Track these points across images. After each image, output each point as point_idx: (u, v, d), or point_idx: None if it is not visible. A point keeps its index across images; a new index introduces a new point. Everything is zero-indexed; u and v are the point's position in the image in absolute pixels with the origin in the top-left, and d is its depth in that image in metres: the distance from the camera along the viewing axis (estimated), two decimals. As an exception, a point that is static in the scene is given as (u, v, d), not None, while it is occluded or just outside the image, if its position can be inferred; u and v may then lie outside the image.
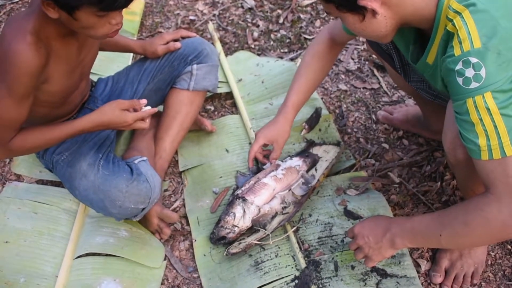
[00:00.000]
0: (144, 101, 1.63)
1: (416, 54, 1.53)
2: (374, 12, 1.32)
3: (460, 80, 1.25)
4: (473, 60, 1.23)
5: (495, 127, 1.24)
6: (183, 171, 2.09)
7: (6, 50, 1.43)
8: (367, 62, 2.48)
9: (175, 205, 2.00)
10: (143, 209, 1.74)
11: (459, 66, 1.24)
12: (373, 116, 2.27)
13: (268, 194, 1.87)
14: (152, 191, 1.73)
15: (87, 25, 1.44)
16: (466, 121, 1.27)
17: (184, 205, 1.99)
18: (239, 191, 1.87)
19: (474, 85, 1.23)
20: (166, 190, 2.04)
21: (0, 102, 1.47)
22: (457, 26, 1.26)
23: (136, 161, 1.77)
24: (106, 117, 1.60)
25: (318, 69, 1.91)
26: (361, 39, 2.56)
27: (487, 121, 1.24)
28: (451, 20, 1.27)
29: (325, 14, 2.73)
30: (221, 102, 2.37)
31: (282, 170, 1.95)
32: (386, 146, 2.17)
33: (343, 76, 2.44)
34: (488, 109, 1.23)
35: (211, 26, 2.58)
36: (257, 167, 2.05)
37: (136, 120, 1.62)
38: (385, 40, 1.45)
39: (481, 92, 1.23)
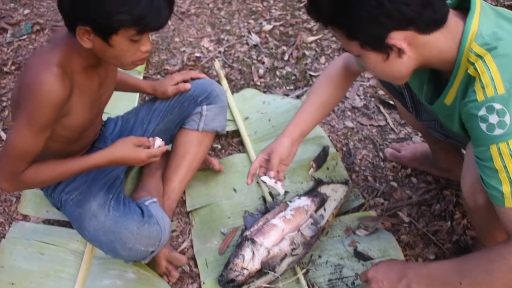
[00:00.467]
0: (151, 141, 1.64)
1: (430, 94, 1.53)
2: (400, 52, 1.30)
3: (483, 126, 1.24)
4: (497, 106, 1.22)
5: None
6: (191, 211, 2.08)
7: (31, 80, 1.43)
8: (373, 99, 2.49)
9: (183, 246, 1.98)
10: (153, 251, 1.73)
11: (482, 112, 1.24)
12: (381, 154, 2.27)
13: (277, 235, 1.85)
14: (162, 233, 1.72)
15: (120, 52, 1.46)
16: (489, 168, 1.26)
17: (192, 246, 1.98)
18: (248, 233, 1.86)
19: (498, 131, 1.22)
20: (173, 231, 2.03)
21: (18, 132, 1.47)
22: (479, 71, 1.25)
23: (146, 203, 1.77)
24: (119, 153, 1.60)
25: (329, 93, 1.81)
26: (366, 75, 2.57)
27: (511, 168, 1.23)
28: (473, 64, 1.27)
29: (330, 51, 2.75)
30: (228, 140, 2.37)
31: (290, 210, 1.94)
32: (395, 184, 2.16)
33: (349, 113, 2.45)
34: None
35: (217, 64, 2.59)
36: (265, 207, 2.04)
37: (150, 157, 1.62)
38: (401, 82, 1.44)
39: (505, 139, 1.22)
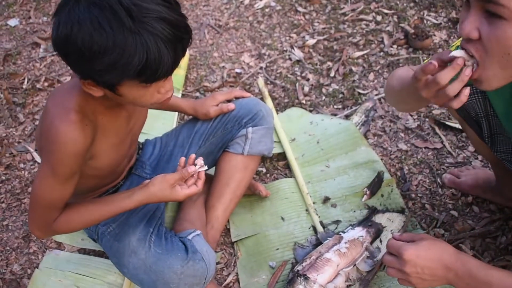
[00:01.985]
0: (192, 168, 1.49)
1: None
2: None
3: None
4: None
5: None
6: (236, 241, 1.94)
7: (49, 127, 1.31)
8: (427, 119, 2.32)
9: (228, 280, 1.83)
10: (197, 289, 1.59)
11: None
12: (438, 180, 2.10)
13: (332, 271, 1.70)
14: (208, 270, 1.57)
15: (134, 98, 1.32)
16: None
17: (238, 280, 1.83)
18: (299, 267, 1.71)
19: None
20: (218, 263, 1.88)
21: (44, 182, 1.36)
22: None
23: (190, 237, 1.62)
24: (155, 198, 1.48)
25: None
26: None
27: None
28: None
29: (379, 67, 2.59)
30: (273, 163, 2.22)
31: (345, 243, 1.78)
32: (455, 213, 1.99)
33: (402, 135, 2.28)
34: None
35: (260, 82, 2.45)
36: (316, 237, 1.89)
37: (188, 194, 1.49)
38: (504, 82, 1.15)
39: None
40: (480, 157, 2.15)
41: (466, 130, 1.77)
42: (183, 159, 1.53)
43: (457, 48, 1.42)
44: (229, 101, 1.92)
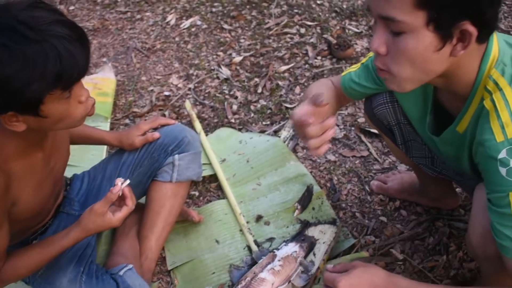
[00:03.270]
0: (115, 189, 1.47)
1: (434, 125, 1.41)
2: (456, 48, 1.10)
3: (503, 170, 1.13)
4: None
5: None
6: (172, 269, 1.94)
7: None
8: (353, 128, 2.39)
9: (166, 309, 1.84)
10: (134, 325, 1.59)
11: (502, 155, 1.12)
12: (367, 187, 2.16)
13: (267, 290, 1.73)
14: (142, 304, 1.58)
15: (60, 116, 1.31)
16: (504, 215, 1.15)
17: (176, 308, 1.84)
18: (235, 290, 1.73)
19: None
20: (155, 293, 1.89)
21: None
22: (498, 106, 1.14)
23: (121, 272, 1.62)
24: (91, 231, 1.48)
25: (331, 93, 1.57)
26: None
27: None
28: (491, 94, 1.15)
29: (304, 79, 2.64)
30: (205, 185, 2.24)
31: (279, 260, 1.81)
32: (384, 219, 2.05)
33: (330, 146, 2.34)
34: None
35: (188, 105, 2.47)
36: (251, 257, 1.92)
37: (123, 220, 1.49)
38: (415, 86, 1.20)
39: None
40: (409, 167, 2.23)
41: (383, 137, 1.84)
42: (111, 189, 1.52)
43: (370, 58, 1.50)
44: (154, 129, 1.92)
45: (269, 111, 2.53)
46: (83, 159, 2.26)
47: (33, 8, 1.23)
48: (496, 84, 1.16)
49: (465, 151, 1.32)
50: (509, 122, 1.12)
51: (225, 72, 2.75)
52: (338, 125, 2.41)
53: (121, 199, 1.49)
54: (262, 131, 2.41)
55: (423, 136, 1.52)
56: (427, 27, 1.06)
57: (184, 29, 3.06)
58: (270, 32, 2.94)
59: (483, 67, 1.17)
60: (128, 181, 1.48)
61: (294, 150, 2.30)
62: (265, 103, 2.57)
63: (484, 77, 1.17)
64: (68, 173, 1.89)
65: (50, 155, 1.52)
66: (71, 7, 3.27)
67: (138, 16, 3.17)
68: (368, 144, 2.32)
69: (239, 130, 2.44)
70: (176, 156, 1.86)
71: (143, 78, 2.80)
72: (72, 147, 1.69)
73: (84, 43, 1.26)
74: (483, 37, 1.11)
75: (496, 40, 1.19)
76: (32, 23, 1.19)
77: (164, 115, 2.55)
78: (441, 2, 1.03)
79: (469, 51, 1.11)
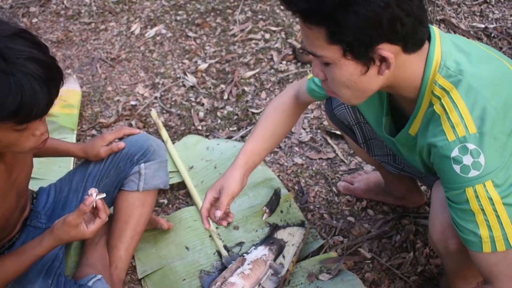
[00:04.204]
0: (89, 200, 1.45)
1: (390, 126, 1.45)
2: (381, 68, 1.17)
3: (457, 168, 1.17)
4: (471, 146, 1.16)
5: (498, 217, 1.17)
6: (143, 277, 1.94)
7: None
8: (319, 131, 2.42)
9: (138, 318, 1.84)
10: (104, 336, 1.59)
11: (455, 153, 1.17)
12: (334, 188, 2.19)
13: (237, 294, 1.74)
14: (111, 314, 1.57)
15: (9, 142, 1.31)
16: (465, 211, 1.19)
17: (148, 317, 1.83)
18: (206, 295, 1.74)
19: (473, 173, 1.16)
20: (126, 302, 1.88)
21: None
22: (447, 109, 1.19)
23: (90, 283, 1.62)
24: (64, 240, 1.49)
25: (279, 122, 1.68)
26: (310, 107, 2.49)
27: (489, 211, 1.17)
28: (439, 99, 1.20)
29: (270, 84, 2.67)
30: (174, 193, 2.24)
31: (248, 264, 1.83)
32: (352, 219, 2.08)
33: (297, 149, 2.36)
34: (490, 199, 1.16)
35: (154, 114, 2.47)
36: (221, 262, 1.93)
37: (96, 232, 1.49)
38: (360, 101, 1.29)
39: (481, 181, 1.16)
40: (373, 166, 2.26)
41: (345, 138, 1.88)
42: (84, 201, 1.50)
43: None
44: (119, 139, 1.92)
45: (235, 117, 2.55)
46: (50, 171, 2.24)
47: (16, 38, 1.23)
48: (443, 88, 1.21)
49: (416, 153, 1.36)
50: (459, 122, 1.17)
51: (191, 79, 2.76)
52: (304, 128, 2.44)
53: (94, 210, 1.49)
54: (229, 137, 2.43)
55: (382, 137, 1.56)
56: (346, 58, 1.15)
57: (149, 38, 3.06)
58: (235, 39, 2.96)
59: (427, 72, 1.22)
60: (103, 195, 1.48)
61: (262, 155, 2.32)
62: (231, 109, 2.59)
63: (429, 82, 1.22)
64: (35, 186, 1.88)
65: (12, 167, 1.51)
66: (34, 20, 3.24)
67: (102, 27, 3.16)
68: (334, 146, 2.35)
69: (206, 136, 2.45)
70: (142, 165, 1.87)
71: (109, 88, 2.79)
72: (38, 159, 1.69)
73: (53, 86, 1.26)
74: (411, 48, 1.18)
75: (439, 43, 1.23)
76: (7, 54, 1.19)
77: (130, 125, 2.54)
78: (348, 37, 1.12)
79: (406, 60, 1.18)
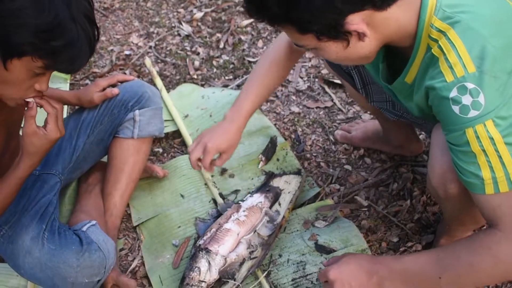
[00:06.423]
0: (31, 106, 1.40)
1: (386, 73, 1.42)
2: (360, 36, 1.19)
3: (456, 108, 1.14)
4: (470, 85, 1.12)
5: (500, 157, 1.14)
6: (138, 225, 1.93)
7: None
8: (316, 79, 2.38)
9: (133, 265, 1.83)
10: (99, 280, 1.58)
11: (453, 93, 1.14)
12: (331, 137, 2.17)
13: (233, 240, 1.73)
14: (107, 259, 1.56)
15: (13, 80, 1.26)
16: (466, 153, 1.17)
17: (143, 263, 1.83)
18: (201, 242, 1.73)
19: (473, 113, 1.13)
20: (121, 249, 1.87)
21: None
22: (445, 49, 1.15)
23: (84, 228, 1.60)
24: (36, 154, 1.42)
25: (273, 73, 1.71)
26: (307, 54, 2.45)
27: (490, 151, 1.14)
28: (436, 41, 1.17)
29: (267, 33, 2.62)
30: (169, 142, 2.22)
31: (244, 211, 1.82)
32: (349, 167, 2.07)
33: (294, 98, 2.33)
34: (491, 139, 1.13)
35: (148, 62, 2.42)
36: (217, 210, 1.92)
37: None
38: (368, 61, 1.33)
39: (482, 121, 1.13)
40: (370, 113, 2.23)
41: (344, 84, 1.85)
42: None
43: None
44: (113, 86, 1.88)
45: (231, 65, 2.50)
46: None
47: None
48: (439, 30, 1.17)
49: (413, 102, 1.33)
50: (457, 62, 1.14)
51: (186, 28, 2.70)
52: (301, 77, 2.40)
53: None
54: (225, 86, 2.39)
55: (379, 83, 1.53)
56: (322, 41, 1.20)
57: (143, -14, 2.99)
58: (231, -13, 2.89)
59: (422, 16, 1.19)
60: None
61: (258, 103, 2.28)
62: (227, 58, 2.54)
63: (425, 26, 1.19)
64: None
65: (2, 106, 1.47)
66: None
67: (96, -25, 3.09)
68: (332, 95, 2.31)
69: (202, 85, 2.41)
70: (137, 112, 1.84)
71: (103, 38, 2.73)
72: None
73: (92, 51, 1.29)
74: (382, 4, 1.16)
75: None
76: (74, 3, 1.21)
77: (125, 74, 2.50)
78: (312, 25, 1.16)
79: (386, 17, 1.17)
